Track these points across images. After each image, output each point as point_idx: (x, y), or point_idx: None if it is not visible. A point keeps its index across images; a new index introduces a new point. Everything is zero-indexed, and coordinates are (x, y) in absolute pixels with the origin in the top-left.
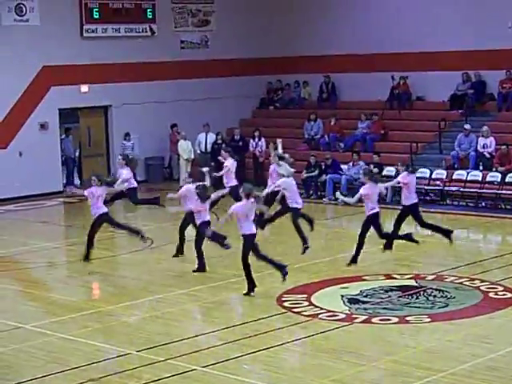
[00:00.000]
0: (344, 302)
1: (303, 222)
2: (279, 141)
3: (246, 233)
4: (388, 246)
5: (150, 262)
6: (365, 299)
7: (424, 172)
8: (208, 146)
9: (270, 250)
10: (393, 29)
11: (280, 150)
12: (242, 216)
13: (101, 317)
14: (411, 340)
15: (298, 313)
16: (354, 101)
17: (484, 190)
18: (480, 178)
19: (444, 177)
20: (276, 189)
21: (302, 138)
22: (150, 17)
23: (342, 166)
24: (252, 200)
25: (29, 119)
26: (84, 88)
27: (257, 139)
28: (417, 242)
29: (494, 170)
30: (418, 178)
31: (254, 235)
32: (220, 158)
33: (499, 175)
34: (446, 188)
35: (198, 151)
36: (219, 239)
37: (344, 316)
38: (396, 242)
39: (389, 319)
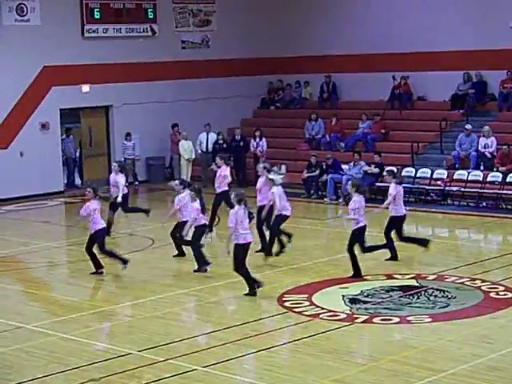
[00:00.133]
0: (345, 301)
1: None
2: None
3: (240, 242)
4: (393, 255)
5: (151, 261)
6: (366, 299)
7: (425, 172)
8: (209, 146)
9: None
10: (394, 29)
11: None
12: (238, 223)
13: (102, 317)
14: (412, 340)
15: (298, 313)
16: (355, 101)
17: (485, 190)
18: (481, 178)
19: (445, 177)
20: (271, 203)
21: (302, 137)
22: (151, 17)
23: (343, 166)
24: (243, 206)
25: (30, 119)
26: (85, 88)
27: (258, 139)
28: (395, 258)
29: (495, 169)
30: (419, 177)
31: (249, 244)
32: (213, 167)
33: (500, 175)
34: (447, 188)
35: (199, 151)
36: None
37: (345, 316)
38: (396, 242)
39: (390, 319)
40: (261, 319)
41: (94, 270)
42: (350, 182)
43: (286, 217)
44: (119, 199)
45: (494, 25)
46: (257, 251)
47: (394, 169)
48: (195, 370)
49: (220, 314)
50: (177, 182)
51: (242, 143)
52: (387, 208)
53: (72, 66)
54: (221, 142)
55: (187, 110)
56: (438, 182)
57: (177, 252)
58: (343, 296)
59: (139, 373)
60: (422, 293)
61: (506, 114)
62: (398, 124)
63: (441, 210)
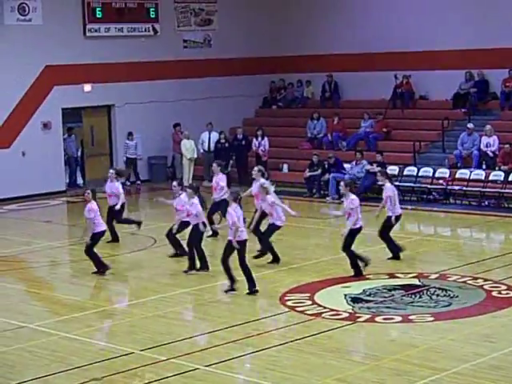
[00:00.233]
0: (347, 300)
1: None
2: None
3: (242, 238)
4: (396, 255)
5: (153, 261)
6: (368, 298)
7: (427, 171)
8: (211, 145)
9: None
10: (396, 28)
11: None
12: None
13: (104, 316)
14: (414, 339)
15: (301, 312)
16: (356, 100)
17: (487, 189)
18: (483, 177)
19: (447, 176)
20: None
21: (304, 136)
22: (153, 16)
23: (345, 165)
24: (238, 204)
25: (32, 119)
26: (87, 87)
27: (260, 138)
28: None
29: (497, 168)
30: (421, 176)
31: (244, 241)
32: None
33: (502, 174)
34: (449, 187)
35: (201, 150)
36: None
37: (347, 315)
38: (398, 241)
39: (392, 318)
40: (263, 318)
41: (96, 270)
42: (342, 182)
43: (279, 227)
44: (118, 207)
45: (496, 24)
46: (255, 256)
47: (375, 165)
48: (197, 369)
49: (222, 314)
50: (175, 183)
51: (243, 142)
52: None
53: (74, 65)
54: (223, 141)
55: (189, 109)
56: (440, 181)
57: (175, 252)
58: (345, 295)
59: (141, 372)
60: (425, 292)
61: (507, 112)
62: (399, 123)
63: (443, 209)
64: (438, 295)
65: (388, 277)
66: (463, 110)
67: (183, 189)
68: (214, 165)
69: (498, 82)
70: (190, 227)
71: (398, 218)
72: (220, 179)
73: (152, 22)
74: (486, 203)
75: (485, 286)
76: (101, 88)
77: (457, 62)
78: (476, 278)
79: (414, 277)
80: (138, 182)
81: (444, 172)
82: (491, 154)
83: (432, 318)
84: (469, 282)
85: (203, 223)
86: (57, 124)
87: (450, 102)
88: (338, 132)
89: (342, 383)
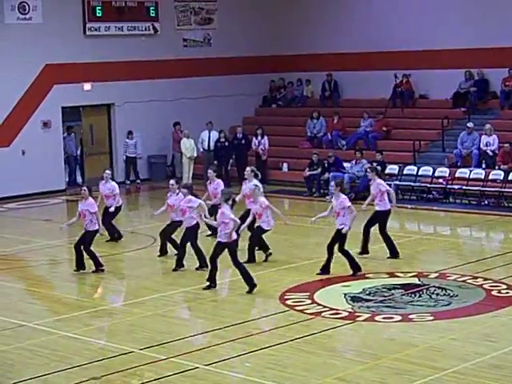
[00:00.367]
0: (347, 300)
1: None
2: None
3: (234, 237)
4: (394, 254)
5: (153, 260)
6: (368, 297)
7: (427, 170)
8: (211, 144)
9: (272, 248)
10: (395, 27)
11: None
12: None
13: (103, 315)
14: (414, 338)
15: (300, 311)
16: (356, 99)
17: (487, 188)
18: (483, 176)
19: (447, 175)
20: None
21: (304, 135)
22: (153, 15)
23: (345, 164)
24: (230, 205)
25: (31, 117)
26: (87, 86)
27: (259, 137)
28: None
29: (496, 167)
30: (420, 176)
31: (236, 240)
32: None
33: (502, 173)
34: (449, 186)
35: (201, 149)
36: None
37: (347, 314)
38: (398, 240)
39: (392, 317)
40: (262, 317)
41: (95, 269)
42: (333, 182)
43: (266, 231)
44: (112, 209)
45: (496, 23)
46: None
47: (374, 165)
48: (197, 368)
49: (222, 313)
50: (172, 181)
51: (243, 141)
52: (389, 202)
53: (74, 64)
54: (222, 140)
55: (189, 108)
56: (440, 180)
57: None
58: (345, 294)
59: (141, 371)
60: (424, 291)
61: (507, 111)
62: (399, 122)
63: (443, 208)
64: (437, 294)
65: (388, 276)
66: (463, 109)
67: (180, 187)
68: (210, 171)
69: (498, 81)
70: (185, 227)
71: (389, 212)
72: (218, 185)
73: (152, 20)
74: (486, 202)
75: (485, 286)
76: (101, 87)
77: (457, 62)
78: (476, 277)
79: (413, 276)
80: (138, 181)
81: (444, 171)
82: (491, 153)
83: (432, 318)
84: (469, 281)
85: (204, 215)
86: (57, 123)
87: (450, 101)
88: (338, 131)
89: (342, 382)
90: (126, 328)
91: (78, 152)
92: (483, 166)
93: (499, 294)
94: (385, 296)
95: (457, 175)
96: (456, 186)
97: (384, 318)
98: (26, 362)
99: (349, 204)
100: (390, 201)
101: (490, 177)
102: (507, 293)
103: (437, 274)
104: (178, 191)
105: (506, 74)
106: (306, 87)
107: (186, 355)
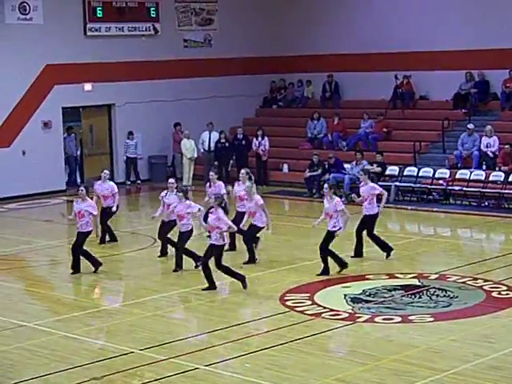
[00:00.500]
0: (347, 301)
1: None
2: None
3: (219, 244)
4: (387, 249)
5: (153, 260)
6: (368, 298)
7: (427, 171)
8: (211, 145)
9: (272, 249)
10: (396, 28)
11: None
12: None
13: (104, 315)
14: (414, 339)
15: (300, 312)
16: (357, 100)
17: (487, 190)
18: (483, 178)
19: (447, 176)
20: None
21: (305, 136)
22: (154, 16)
23: (345, 165)
24: (222, 210)
25: (32, 118)
26: (87, 86)
27: (260, 138)
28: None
29: (497, 169)
30: (421, 177)
31: (224, 245)
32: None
33: (502, 174)
34: (449, 187)
35: (202, 150)
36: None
37: (347, 315)
38: (398, 242)
39: (392, 318)
40: (262, 318)
41: (94, 269)
42: (326, 185)
43: (261, 228)
44: (114, 209)
45: (497, 24)
46: (245, 262)
47: (375, 166)
48: (197, 368)
49: (222, 313)
50: (172, 180)
51: (244, 142)
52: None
53: (74, 64)
54: (223, 140)
55: (189, 108)
56: (440, 182)
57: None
58: (345, 295)
59: (141, 371)
60: (424, 292)
61: (508, 113)
62: (400, 123)
63: (443, 210)
64: (437, 295)
65: (388, 277)
66: (463, 111)
67: (177, 189)
68: (212, 173)
69: (499, 82)
70: (180, 231)
71: (377, 216)
72: (219, 188)
73: (152, 21)
74: (486, 204)
75: (485, 287)
76: (101, 87)
77: (457, 63)
78: (476, 279)
79: (413, 277)
80: (138, 182)
81: (444, 172)
82: (491, 155)
83: (432, 319)
84: (469, 282)
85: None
86: (57, 123)
87: (451, 102)
88: (338, 132)
89: (342, 383)
90: (126, 328)
91: (78, 152)
92: (483, 167)
93: (499, 296)
94: (385, 297)
95: (457, 176)
96: (456, 188)
97: (384, 319)
98: (25, 362)
99: (342, 207)
100: (379, 204)
101: (491, 178)
102: (507, 294)
103: (437, 276)
104: (175, 191)
105: (506, 76)
106: (307, 88)
107: (186, 355)
